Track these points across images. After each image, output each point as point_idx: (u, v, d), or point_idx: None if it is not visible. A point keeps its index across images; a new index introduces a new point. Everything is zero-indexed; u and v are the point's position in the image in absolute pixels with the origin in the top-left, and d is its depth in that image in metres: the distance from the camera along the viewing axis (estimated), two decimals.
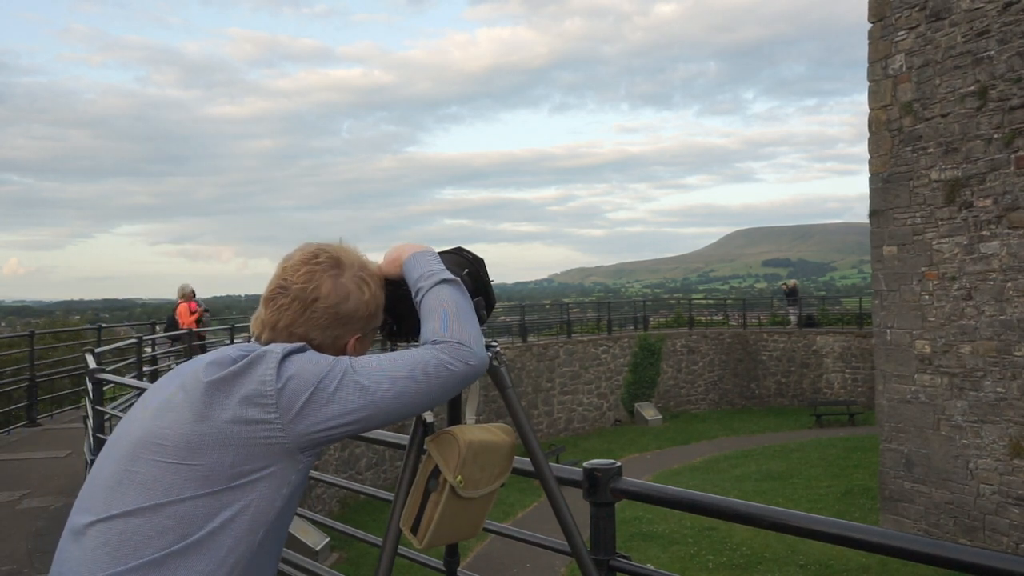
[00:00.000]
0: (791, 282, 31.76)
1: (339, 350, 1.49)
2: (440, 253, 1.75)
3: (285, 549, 1.75)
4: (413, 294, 1.50)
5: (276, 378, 1.31)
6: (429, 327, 1.43)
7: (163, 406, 1.35)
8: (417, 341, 1.58)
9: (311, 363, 1.34)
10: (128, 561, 1.23)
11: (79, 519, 1.31)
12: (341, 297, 1.47)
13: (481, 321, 1.65)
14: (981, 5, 10.90)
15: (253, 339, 1.50)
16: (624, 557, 1.95)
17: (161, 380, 1.46)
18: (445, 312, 1.44)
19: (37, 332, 12.44)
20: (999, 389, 10.87)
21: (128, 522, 1.26)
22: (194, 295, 14.28)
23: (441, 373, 1.37)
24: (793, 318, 28.48)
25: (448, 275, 1.51)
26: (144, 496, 1.27)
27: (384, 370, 1.36)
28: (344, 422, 1.33)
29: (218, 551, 1.26)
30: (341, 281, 1.48)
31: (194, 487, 1.27)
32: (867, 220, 13.03)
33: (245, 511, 1.29)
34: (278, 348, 1.36)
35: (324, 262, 1.48)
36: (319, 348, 1.44)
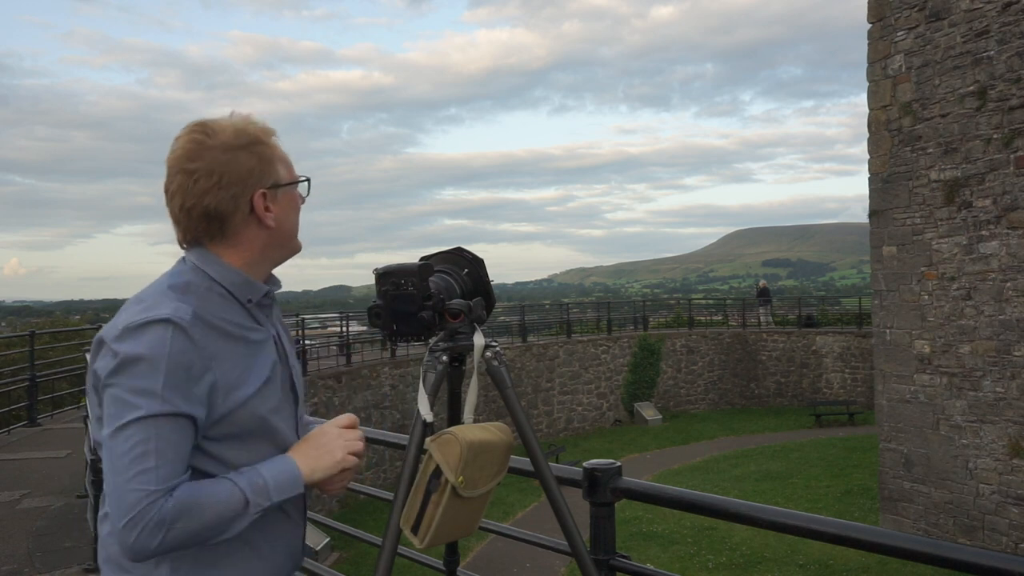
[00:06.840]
0: (762, 283, 32.27)
1: (247, 212, 1.42)
2: (440, 253, 1.75)
3: None
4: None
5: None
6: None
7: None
8: (417, 341, 1.58)
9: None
10: None
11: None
12: (193, 154, 1.39)
13: (481, 321, 1.65)
14: (980, 5, 10.90)
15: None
16: (624, 557, 1.95)
17: None
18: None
19: (37, 332, 12.42)
20: (998, 389, 10.87)
21: None
22: None
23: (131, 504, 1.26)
24: (763, 318, 28.83)
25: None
26: None
27: (123, 455, 1.26)
28: None
29: None
30: (196, 139, 1.41)
31: None
32: (866, 220, 13.04)
33: None
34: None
35: (184, 135, 1.42)
36: (223, 216, 1.40)
